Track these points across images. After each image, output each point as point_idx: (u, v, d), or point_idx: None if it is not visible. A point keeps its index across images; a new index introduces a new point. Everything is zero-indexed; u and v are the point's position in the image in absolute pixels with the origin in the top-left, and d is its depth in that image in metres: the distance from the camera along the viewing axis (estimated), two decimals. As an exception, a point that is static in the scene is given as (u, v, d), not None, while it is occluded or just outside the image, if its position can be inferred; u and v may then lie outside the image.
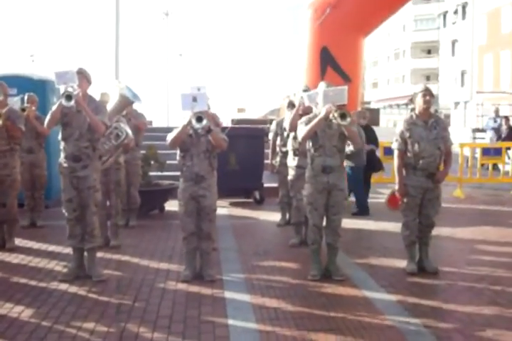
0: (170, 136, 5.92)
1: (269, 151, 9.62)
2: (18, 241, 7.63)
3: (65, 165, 5.95)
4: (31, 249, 7.40)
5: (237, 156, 10.73)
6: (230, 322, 4.85)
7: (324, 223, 6.17)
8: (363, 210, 9.90)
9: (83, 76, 5.97)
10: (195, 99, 5.81)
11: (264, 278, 6.13)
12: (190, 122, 5.73)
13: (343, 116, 5.77)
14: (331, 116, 5.89)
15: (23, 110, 8.34)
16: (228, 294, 5.58)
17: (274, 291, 5.69)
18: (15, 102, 7.99)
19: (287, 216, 8.84)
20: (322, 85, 6.30)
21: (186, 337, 4.55)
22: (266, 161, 10.79)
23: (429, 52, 63.56)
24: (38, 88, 10.04)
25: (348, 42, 11.28)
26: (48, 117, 5.96)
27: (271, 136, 9.17)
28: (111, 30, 19.64)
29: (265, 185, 11.14)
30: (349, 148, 6.45)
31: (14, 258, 6.93)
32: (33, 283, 5.94)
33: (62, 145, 6.02)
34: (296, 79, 12.12)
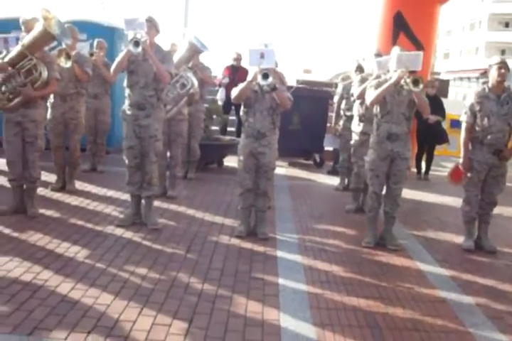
0: (235, 91, 5.85)
1: (332, 114, 9.47)
2: (79, 185, 7.78)
3: (129, 112, 5.97)
4: (90, 193, 7.54)
5: (300, 117, 10.62)
6: (280, 281, 4.84)
7: (384, 191, 6.06)
8: None
9: (152, 24, 5.92)
10: (262, 56, 5.70)
11: (317, 241, 6.08)
12: (256, 78, 5.65)
13: (415, 82, 5.57)
14: (402, 81, 5.70)
15: (91, 55, 8.39)
16: (280, 253, 5.57)
17: (327, 255, 5.65)
18: (83, 47, 8.04)
19: (346, 181, 8.73)
20: (396, 49, 6.09)
21: (235, 291, 4.56)
22: (328, 124, 10.65)
23: (506, 25, 61.14)
24: (107, 34, 10.05)
25: (423, 9, 10.88)
26: (115, 63, 5.96)
27: (336, 99, 9.00)
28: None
29: (326, 148, 11.01)
30: None
31: (73, 201, 7.07)
32: (90, 225, 6.06)
33: (127, 92, 6.03)
34: (366, 43, 11.80)
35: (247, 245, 5.76)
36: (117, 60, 5.90)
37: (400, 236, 6.29)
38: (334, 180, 9.21)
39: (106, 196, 7.42)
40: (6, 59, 5.97)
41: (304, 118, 10.69)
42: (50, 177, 7.69)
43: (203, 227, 6.28)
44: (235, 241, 5.86)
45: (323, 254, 5.65)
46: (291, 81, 13.70)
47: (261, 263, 5.26)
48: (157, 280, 4.68)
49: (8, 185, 6.47)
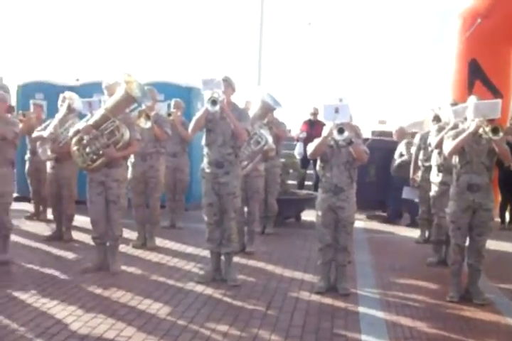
0: (311, 147, 5.89)
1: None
2: (159, 241, 7.91)
3: (208, 170, 6.09)
4: (170, 250, 7.66)
5: (376, 168, 10.56)
6: (363, 337, 4.73)
7: (467, 243, 5.88)
8: None
9: (228, 83, 6.08)
10: (337, 111, 5.74)
11: (399, 296, 5.94)
12: (331, 133, 5.69)
13: (495, 131, 5.47)
14: (480, 130, 5.61)
15: (169, 115, 8.66)
16: (362, 309, 5.46)
17: (410, 310, 5.50)
18: (161, 108, 8.32)
19: (427, 233, 8.54)
20: (473, 99, 6.02)
21: (318, 349, 4.50)
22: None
23: None
24: (184, 94, 10.38)
25: (498, 55, 10.79)
26: (193, 122, 6.13)
27: (413, 149, 8.91)
28: (254, 37, 20.05)
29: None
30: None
31: (154, 257, 7.19)
32: (171, 282, 6.13)
33: (205, 150, 6.17)
34: (441, 92, 11.71)
35: (328, 301, 5.67)
36: (195, 119, 6.07)
37: (485, 289, 6.06)
38: (414, 232, 9.02)
39: (185, 252, 7.51)
40: (91, 122, 6.26)
41: (380, 170, 10.62)
42: (132, 235, 7.87)
43: (283, 283, 6.24)
44: (315, 297, 5.79)
45: (406, 309, 5.50)
46: (366, 132, 13.68)
47: (342, 319, 5.17)
48: (238, 337, 4.66)
49: (92, 242, 6.67)
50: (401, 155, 9.88)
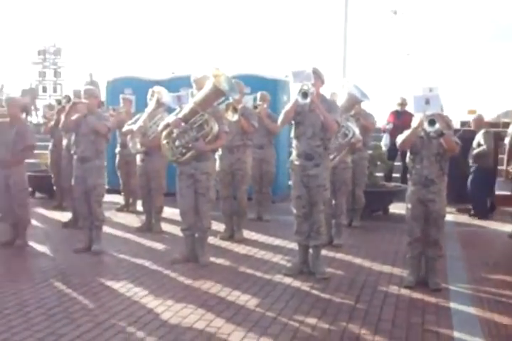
0: (400, 137, 5.78)
1: (504, 156, 9.03)
2: (246, 233, 7.97)
3: (297, 163, 6.06)
4: (257, 242, 7.71)
5: (468, 160, 10.22)
6: (456, 334, 4.60)
7: None
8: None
9: (317, 75, 6.03)
10: (427, 101, 5.60)
11: (492, 292, 5.74)
12: (421, 124, 5.55)
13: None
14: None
15: (256, 108, 8.69)
16: (453, 305, 5.31)
17: (504, 307, 5.30)
18: (248, 100, 8.36)
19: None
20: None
21: (409, 344, 4.41)
22: (500, 167, 10.13)
23: None
24: (269, 87, 10.38)
25: None
26: (282, 115, 6.12)
27: (507, 140, 8.59)
28: (339, 29, 19.82)
29: (497, 192, 10.46)
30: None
31: (242, 249, 7.26)
32: (259, 274, 6.16)
33: (294, 143, 6.15)
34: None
35: (418, 295, 5.55)
36: (284, 111, 6.05)
37: None
38: (508, 227, 8.70)
39: (273, 244, 7.54)
40: (180, 115, 6.35)
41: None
42: (219, 227, 7.96)
43: (371, 277, 6.16)
44: (404, 291, 5.67)
45: (500, 306, 5.31)
46: (455, 123, 13.31)
47: (434, 315, 5.04)
48: (327, 330, 4.63)
49: (180, 234, 6.79)
50: (479, 145, 9.56)
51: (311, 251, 6.19)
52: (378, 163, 9.98)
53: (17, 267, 6.50)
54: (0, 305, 5.11)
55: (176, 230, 7.66)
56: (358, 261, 6.80)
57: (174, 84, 10.34)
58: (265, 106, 9.00)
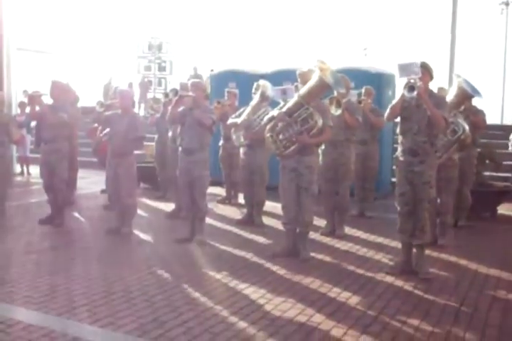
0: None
1: None
2: (347, 230, 7.89)
3: (402, 159, 5.92)
4: (359, 238, 7.60)
5: None
6: None
7: None
8: None
9: (426, 70, 5.85)
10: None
11: None
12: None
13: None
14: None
15: (360, 102, 8.57)
16: None
17: None
18: (353, 95, 8.25)
19: None
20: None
21: (518, 352, 4.21)
22: None
23: None
24: (374, 81, 10.21)
25: None
26: (388, 110, 6.00)
27: None
28: (446, 22, 19.18)
29: None
30: None
31: (343, 246, 7.18)
32: (360, 271, 6.08)
33: (399, 139, 6.00)
34: None
35: (528, 301, 5.30)
36: (391, 106, 5.93)
37: None
38: None
39: (375, 242, 7.42)
40: (284, 109, 6.35)
41: None
42: (320, 222, 7.90)
43: (477, 279, 5.93)
44: (513, 296, 5.44)
45: None
46: None
47: (546, 322, 4.80)
48: (430, 332, 4.50)
49: (282, 227, 6.79)
50: None
51: (414, 250, 6.03)
52: (487, 161, 9.60)
53: (122, 254, 6.72)
54: (105, 290, 5.30)
55: (277, 224, 7.68)
56: (463, 262, 6.56)
57: (277, 78, 10.36)
58: (369, 101, 8.88)
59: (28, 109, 10.84)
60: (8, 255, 6.55)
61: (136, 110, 17.60)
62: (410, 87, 5.62)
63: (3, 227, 8.06)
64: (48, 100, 8.33)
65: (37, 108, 8.13)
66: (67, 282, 5.53)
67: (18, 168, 14.44)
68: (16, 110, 14.33)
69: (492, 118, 11.89)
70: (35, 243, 7.10)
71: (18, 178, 13.66)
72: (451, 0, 18.52)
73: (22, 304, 4.94)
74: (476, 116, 8.11)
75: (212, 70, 19.62)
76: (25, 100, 8.84)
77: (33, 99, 8.09)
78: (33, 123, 13.54)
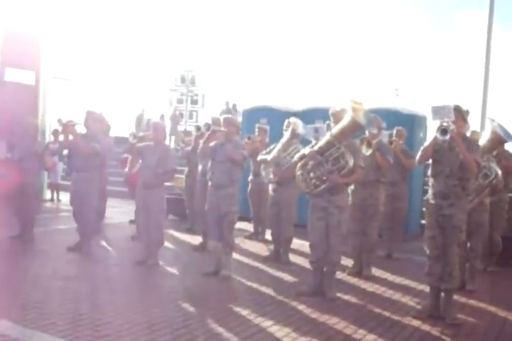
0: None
1: None
2: (375, 271, 7.79)
3: (432, 202, 5.87)
4: (386, 280, 7.51)
5: None
6: None
7: None
8: None
9: (460, 113, 5.85)
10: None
11: None
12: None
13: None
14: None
15: (391, 143, 8.56)
16: None
17: None
18: (384, 136, 8.26)
19: None
20: None
21: None
22: None
23: None
24: (406, 122, 10.20)
25: None
26: (420, 152, 5.97)
27: None
28: (479, 67, 19.17)
29: None
30: None
31: (369, 287, 7.09)
32: (386, 313, 5.99)
33: (430, 181, 5.97)
34: None
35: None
36: (423, 148, 5.92)
37: None
38: None
39: (402, 284, 7.31)
40: (316, 148, 6.37)
41: None
42: (347, 262, 7.83)
43: (507, 327, 5.81)
44: (544, 346, 5.31)
45: None
46: None
47: None
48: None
49: (308, 266, 6.75)
50: None
51: (442, 294, 5.94)
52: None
53: (147, 286, 6.72)
54: (129, 321, 5.28)
55: (304, 262, 7.63)
56: (492, 308, 6.43)
57: (309, 116, 10.44)
58: (401, 142, 8.87)
59: (61, 137, 11.04)
60: (35, 280, 6.58)
61: (167, 142, 17.77)
62: (443, 130, 5.61)
63: (31, 253, 8.13)
64: (81, 129, 8.48)
65: (70, 137, 8.26)
66: (92, 311, 5.53)
67: (48, 195, 14.62)
68: (49, 138, 14.59)
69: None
70: (61, 269, 7.13)
71: (48, 204, 13.81)
72: (485, 42, 18.56)
73: (46, 330, 4.95)
74: (508, 161, 8.05)
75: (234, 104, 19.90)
76: (59, 128, 8.99)
77: (67, 127, 8.23)
78: (66, 152, 13.83)
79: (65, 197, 12.18)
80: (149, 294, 6.31)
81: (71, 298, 5.95)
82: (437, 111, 5.81)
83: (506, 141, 7.50)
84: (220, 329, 5.19)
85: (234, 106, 22.80)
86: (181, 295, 6.29)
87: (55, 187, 14.51)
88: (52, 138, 14.59)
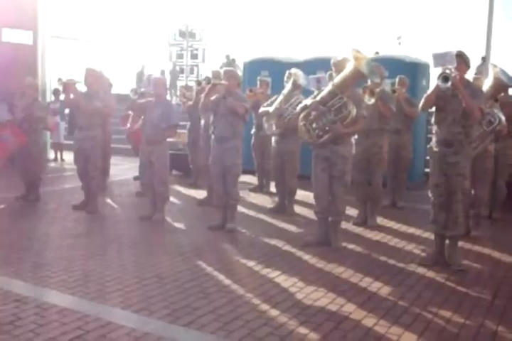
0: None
1: None
2: (379, 220, 7.84)
3: (436, 149, 5.86)
4: (391, 229, 7.56)
5: None
6: None
7: None
8: None
9: (462, 59, 5.76)
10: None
11: None
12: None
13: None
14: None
15: (394, 92, 8.48)
16: None
17: None
18: (386, 84, 8.18)
19: None
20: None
21: (553, 346, 4.16)
22: None
23: None
24: (408, 71, 10.10)
25: None
26: (423, 100, 5.92)
27: None
28: (483, 10, 18.82)
29: None
30: None
31: (374, 236, 7.15)
32: (392, 262, 6.05)
33: (434, 129, 5.94)
34: None
35: None
36: (425, 95, 5.86)
37: None
38: None
39: (407, 233, 7.37)
40: (318, 98, 6.32)
41: None
42: (352, 212, 7.89)
43: (510, 272, 5.86)
44: (548, 289, 5.37)
45: None
46: None
47: None
48: (462, 324, 4.46)
49: (314, 216, 6.79)
50: None
51: (447, 241, 5.99)
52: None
53: (155, 241, 6.78)
54: (138, 276, 5.36)
55: (309, 213, 7.69)
56: (496, 254, 6.49)
57: (310, 67, 10.33)
58: (404, 90, 8.81)
59: (62, 97, 10.98)
60: (43, 240, 6.66)
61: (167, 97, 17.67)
62: (444, 78, 5.54)
63: (38, 212, 8.21)
64: (82, 87, 8.41)
65: (71, 96, 8.21)
66: (101, 267, 5.61)
67: (52, 155, 14.64)
68: (50, 97, 14.52)
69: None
70: (69, 228, 7.20)
71: (52, 164, 13.85)
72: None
73: (57, 288, 5.03)
74: (510, 109, 7.92)
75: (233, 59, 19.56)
76: (60, 88, 8.91)
77: (68, 86, 8.16)
78: (67, 111, 13.77)
79: (68, 156, 12.18)
80: (157, 249, 6.37)
81: (80, 255, 6.03)
82: (439, 58, 5.73)
83: (509, 86, 7.42)
84: (228, 281, 5.26)
85: (233, 60, 22.56)
86: (188, 248, 6.36)
87: (58, 147, 14.51)
88: (53, 98, 14.53)
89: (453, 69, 5.62)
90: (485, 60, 12.90)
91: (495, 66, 7.54)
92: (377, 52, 15.81)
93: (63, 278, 5.27)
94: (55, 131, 13.46)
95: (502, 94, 7.57)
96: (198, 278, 5.33)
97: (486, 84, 7.34)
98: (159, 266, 5.70)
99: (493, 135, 7.13)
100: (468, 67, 5.88)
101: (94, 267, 5.60)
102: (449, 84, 5.54)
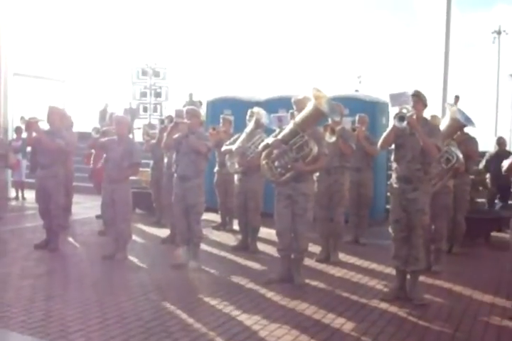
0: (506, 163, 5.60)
1: None
2: (342, 256, 7.89)
3: (396, 186, 5.97)
4: (354, 265, 7.62)
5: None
6: None
7: None
8: None
9: (419, 98, 5.95)
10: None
11: None
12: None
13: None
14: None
15: (354, 130, 8.64)
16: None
17: None
18: (347, 123, 8.33)
19: None
20: None
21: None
22: None
23: None
24: (368, 109, 10.30)
25: None
26: (381, 139, 6.07)
27: None
28: (439, 52, 19.39)
29: None
30: None
31: (337, 272, 7.20)
32: (355, 297, 6.09)
33: (394, 166, 6.07)
34: None
35: (523, 328, 5.31)
36: (385, 134, 6.00)
37: None
38: None
39: (369, 268, 7.43)
40: (280, 136, 6.42)
41: None
42: (315, 248, 7.92)
43: (472, 306, 5.95)
44: (507, 323, 5.44)
45: None
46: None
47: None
48: (425, 359, 4.51)
49: (276, 254, 6.81)
50: None
51: (408, 276, 6.06)
52: (480, 188, 9.69)
53: (117, 280, 6.72)
54: (100, 316, 5.29)
55: (272, 250, 7.70)
56: (457, 288, 6.58)
57: (272, 105, 10.48)
58: (363, 128, 8.96)
59: (24, 135, 10.90)
60: (3, 279, 6.54)
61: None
62: (400, 117, 5.72)
63: (-2, 252, 8.06)
64: (44, 125, 8.38)
65: (33, 134, 8.17)
66: (63, 307, 5.53)
67: (13, 193, 14.44)
68: (12, 135, 14.39)
69: (485, 146, 11.98)
70: (30, 268, 7.08)
71: (13, 203, 13.64)
72: (444, 28, 18.77)
73: (16, 329, 4.94)
74: (467, 147, 8.02)
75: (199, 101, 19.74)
76: (22, 126, 8.88)
77: (30, 125, 8.13)
78: (29, 149, 13.64)
79: (29, 194, 12.04)
80: (119, 288, 6.31)
81: (41, 295, 5.92)
82: (395, 98, 5.91)
83: (465, 126, 7.59)
84: (191, 320, 5.23)
85: (200, 102, 22.61)
86: (151, 287, 6.31)
87: (19, 185, 14.32)
88: (15, 136, 14.40)
89: (410, 109, 5.78)
90: (458, 98, 13.34)
91: (452, 105, 7.75)
92: (356, 90, 16.04)
93: (23, 319, 5.18)
94: (16, 169, 13.30)
95: (459, 132, 7.73)
96: (161, 317, 5.29)
97: (443, 124, 7.51)
98: (122, 305, 5.63)
99: (452, 172, 7.28)
100: (425, 105, 6.05)
101: (56, 307, 5.52)
102: (405, 123, 5.70)
